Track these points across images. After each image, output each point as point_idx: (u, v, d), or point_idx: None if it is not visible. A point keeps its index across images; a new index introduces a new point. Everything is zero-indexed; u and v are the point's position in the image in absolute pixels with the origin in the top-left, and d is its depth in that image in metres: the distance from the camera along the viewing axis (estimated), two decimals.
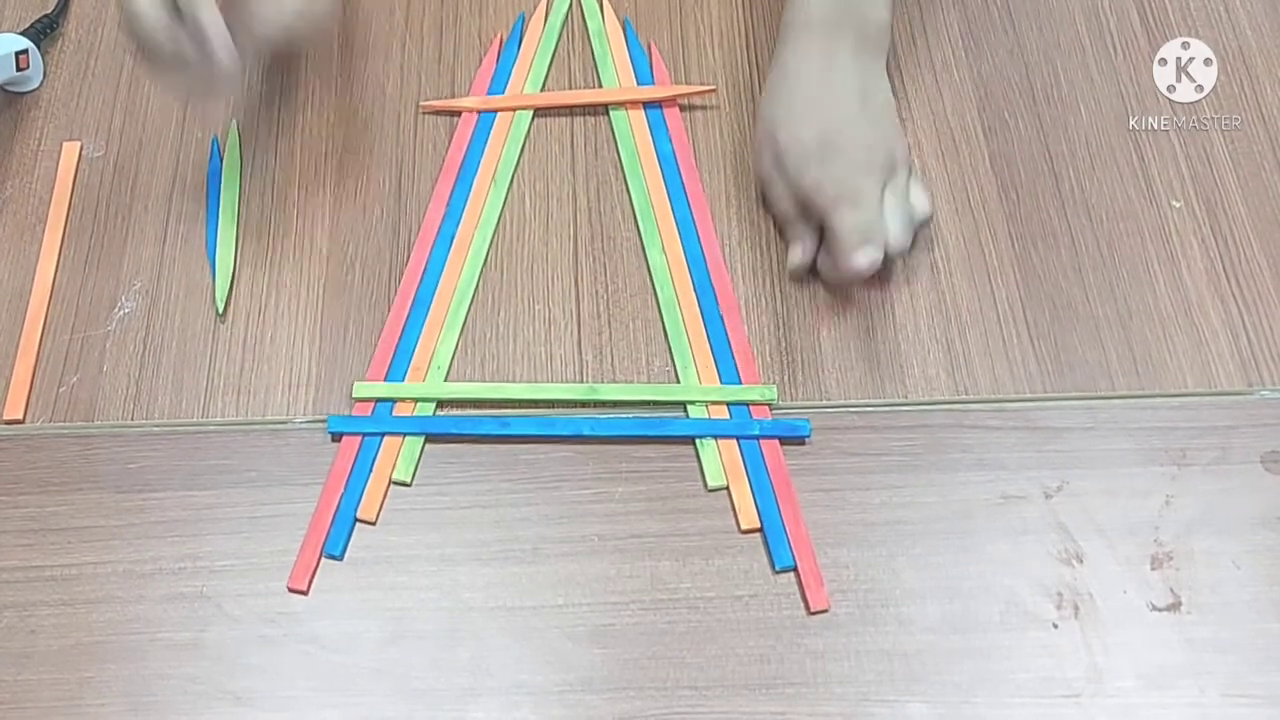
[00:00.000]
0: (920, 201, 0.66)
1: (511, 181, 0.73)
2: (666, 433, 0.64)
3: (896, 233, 0.63)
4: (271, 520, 0.62)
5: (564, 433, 0.64)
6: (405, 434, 0.64)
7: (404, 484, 0.63)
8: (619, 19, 0.78)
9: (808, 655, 0.58)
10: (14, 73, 0.73)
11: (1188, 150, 0.73)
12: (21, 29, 0.76)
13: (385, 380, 0.66)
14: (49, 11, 0.78)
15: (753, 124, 0.73)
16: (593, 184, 0.73)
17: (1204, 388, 0.65)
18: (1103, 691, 0.57)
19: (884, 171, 0.64)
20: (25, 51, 0.74)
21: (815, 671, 0.57)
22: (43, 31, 0.77)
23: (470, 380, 0.66)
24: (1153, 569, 0.60)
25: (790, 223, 0.68)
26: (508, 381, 0.66)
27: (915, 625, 0.59)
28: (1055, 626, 0.59)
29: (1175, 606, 0.59)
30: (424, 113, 0.75)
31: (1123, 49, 0.77)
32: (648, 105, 0.75)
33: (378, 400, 0.65)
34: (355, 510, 0.61)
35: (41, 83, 0.76)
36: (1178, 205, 0.71)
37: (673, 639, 0.58)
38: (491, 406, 0.65)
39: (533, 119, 0.75)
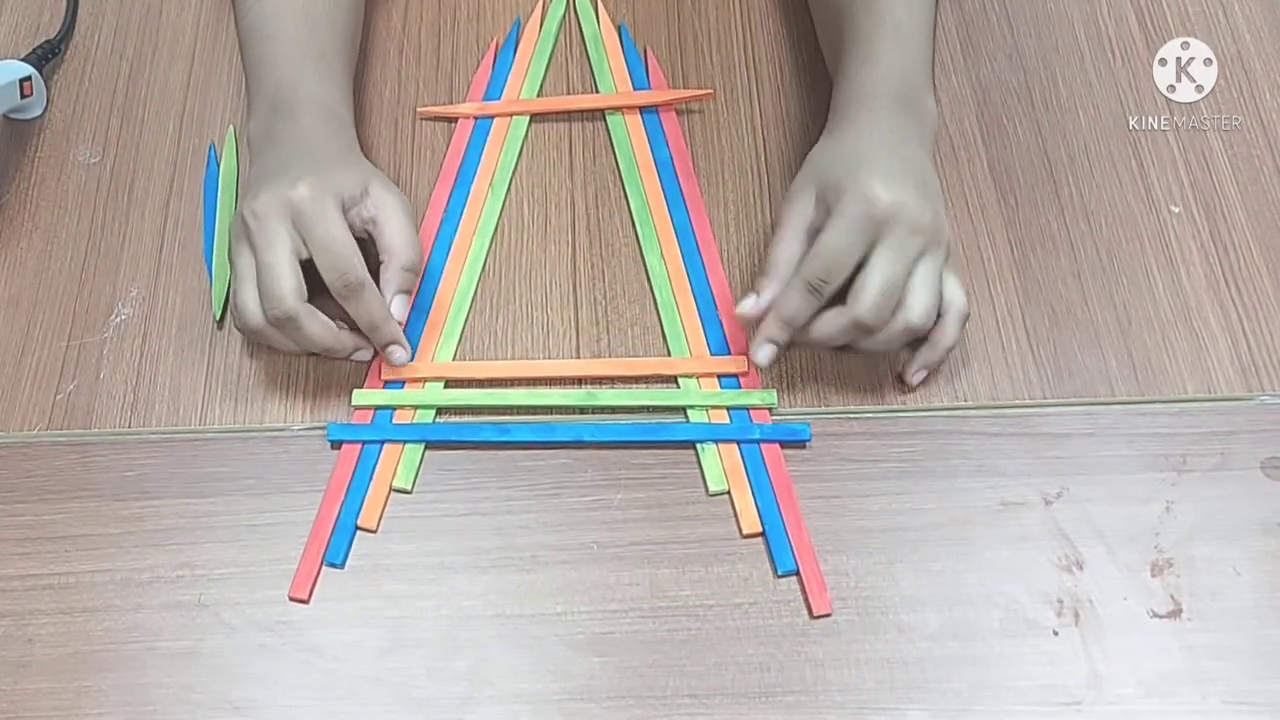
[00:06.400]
0: (955, 294, 0.62)
1: (509, 187, 0.72)
2: (666, 438, 0.64)
3: (919, 305, 0.61)
4: (270, 528, 0.61)
5: (563, 439, 0.63)
6: (405, 441, 0.63)
7: (404, 491, 0.62)
8: (615, 24, 0.78)
9: (807, 663, 0.58)
10: (18, 100, 0.72)
11: (1186, 156, 0.73)
12: (23, 54, 0.75)
13: (384, 387, 0.65)
14: (51, 37, 0.77)
15: (752, 129, 0.74)
16: (590, 189, 0.72)
17: (1204, 393, 0.65)
18: (1103, 699, 0.57)
19: (926, 244, 0.61)
20: (29, 78, 0.73)
21: (815, 679, 0.57)
22: (45, 57, 0.76)
23: (469, 387, 0.66)
24: (1153, 575, 0.60)
25: (780, 265, 0.63)
26: (507, 388, 0.66)
27: (915, 633, 0.58)
28: (1055, 634, 0.58)
29: (1176, 613, 0.59)
30: (421, 119, 0.75)
31: (1121, 54, 0.77)
32: (644, 110, 0.75)
33: (377, 408, 0.65)
34: (356, 518, 0.61)
35: (45, 110, 0.75)
36: (1177, 210, 0.71)
37: (672, 647, 0.58)
38: (491, 413, 0.65)
39: (529, 124, 0.75)
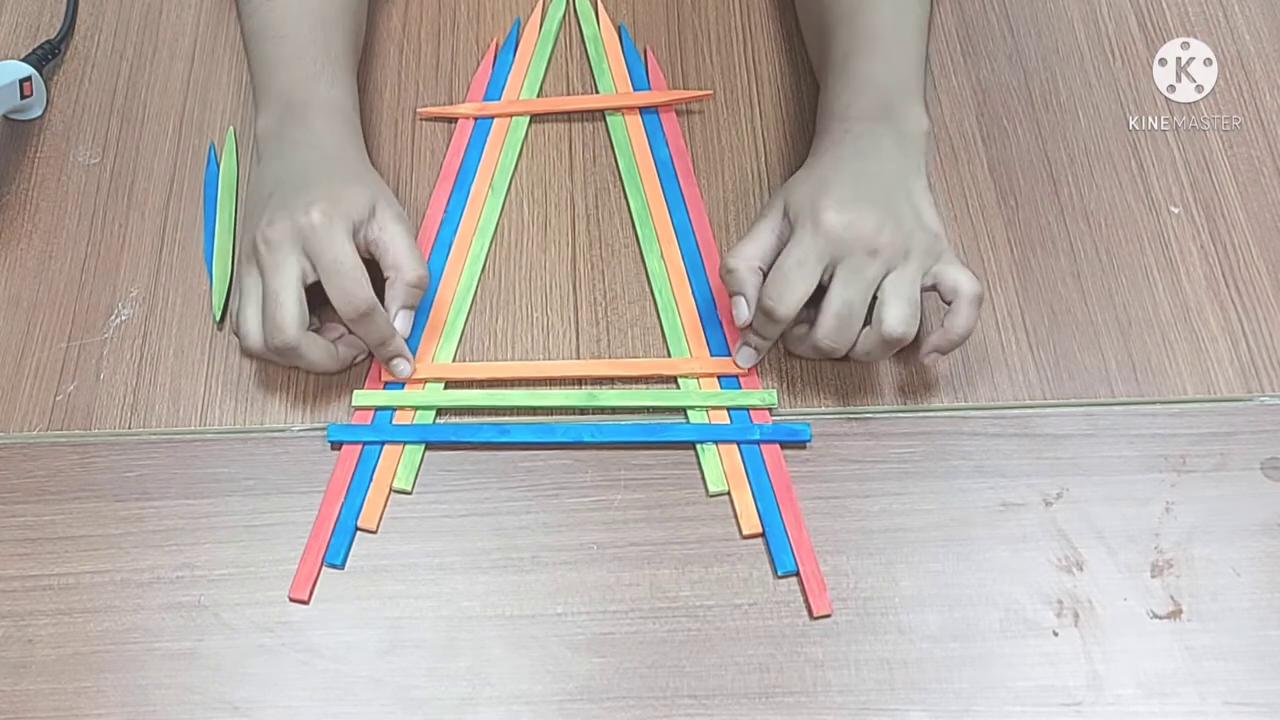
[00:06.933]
0: (960, 280, 0.61)
1: (509, 188, 0.72)
2: (667, 438, 0.64)
3: (890, 318, 0.60)
4: (269, 529, 0.61)
5: (564, 439, 0.63)
6: (405, 442, 0.63)
7: (404, 492, 0.62)
8: (615, 25, 0.78)
9: (807, 664, 0.58)
10: (18, 101, 0.72)
11: (1186, 156, 0.73)
12: (23, 55, 0.75)
13: (384, 388, 0.65)
14: (51, 38, 0.77)
15: (752, 129, 0.74)
16: (590, 190, 0.72)
17: (1204, 394, 0.65)
18: (1103, 700, 0.57)
19: (889, 259, 0.60)
20: (29, 79, 0.73)
21: (815, 680, 0.57)
22: (45, 57, 0.75)
23: (469, 388, 0.66)
24: (1153, 576, 0.60)
25: (748, 257, 0.63)
26: (507, 389, 0.66)
27: (915, 633, 0.58)
28: (1055, 634, 0.58)
29: (1176, 614, 0.59)
30: (421, 119, 0.75)
31: (1121, 54, 0.77)
32: (644, 110, 0.75)
33: (377, 408, 0.65)
34: (356, 519, 0.61)
35: (45, 110, 0.75)
36: (1176, 211, 0.71)
37: (672, 647, 0.58)
38: (491, 414, 0.65)
39: (529, 125, 0.75)
